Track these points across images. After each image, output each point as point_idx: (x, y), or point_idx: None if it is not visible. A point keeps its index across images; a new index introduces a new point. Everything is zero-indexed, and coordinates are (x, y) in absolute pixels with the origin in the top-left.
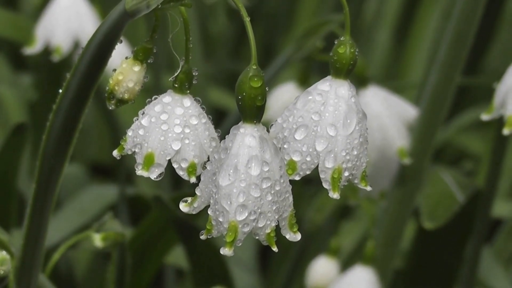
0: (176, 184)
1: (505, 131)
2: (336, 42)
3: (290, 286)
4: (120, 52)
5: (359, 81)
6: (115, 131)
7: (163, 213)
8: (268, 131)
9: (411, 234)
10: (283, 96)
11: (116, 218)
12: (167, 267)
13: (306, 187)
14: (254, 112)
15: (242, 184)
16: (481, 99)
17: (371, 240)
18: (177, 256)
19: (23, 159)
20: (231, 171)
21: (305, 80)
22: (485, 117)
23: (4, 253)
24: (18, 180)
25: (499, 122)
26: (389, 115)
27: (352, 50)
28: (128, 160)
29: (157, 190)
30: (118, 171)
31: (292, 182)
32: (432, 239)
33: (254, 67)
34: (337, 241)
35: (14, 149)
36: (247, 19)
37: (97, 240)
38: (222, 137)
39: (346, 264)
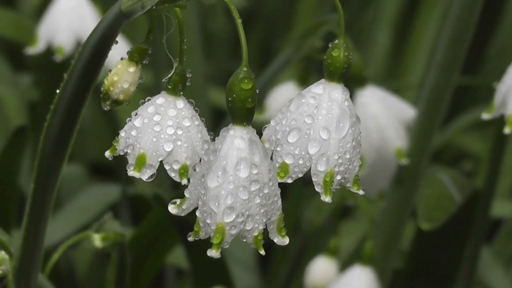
0: (176, 183)
1: (506, 130)
2: (330, 45)
3: (290, 286)
4: (121, 51)
5: (357, 81)
6: (115, 131)
7: (162, 212)
8: (262, 133)
9: (411, 235)
10: (283, 95)
11: (117, 218)
12: (167, 267)
13: (305, 187)
14: (244, 114)
15: (230, 186)
16: (481, 99)
17: (370, 240)
18: (177, 256)
19: (24, 159)
20: (220, 173)
21: (305, 80)
22: (485, 116)
23: (3, 253)
24: (19, 180)
25: (499, 122)
26: (387, 115)
27: (346, 54)
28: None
29: (157, 189)
30: (119, 170)
31: (291, 182)
32: (432, 240)
33: (245, 69)
34: (336, 241)
35: (15, 151)
36: (238, 21)
37: (97, 240)
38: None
39: (345, 264)
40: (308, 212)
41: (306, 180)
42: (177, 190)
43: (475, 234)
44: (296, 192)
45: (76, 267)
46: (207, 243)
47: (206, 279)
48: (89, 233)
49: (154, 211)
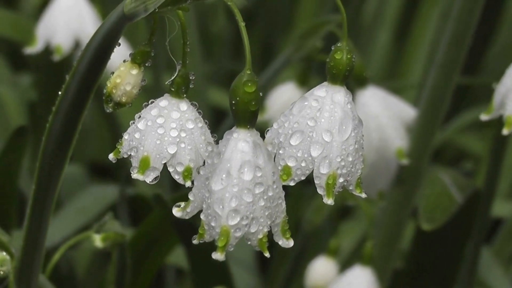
0: (176, 184)
1: (505, 131)
2: (333, 48)
3: (290, 286)
4: (121, 53)
5: (358, 82)
6: (115, 131)
7: (163, 212)
8: (264, 135)
9: (411, 235)
10: (283, 96)
11: (116, 218)
12: (167, 267)
13: (306, 188)
14: (247, 117)
15: (234, 189)
16: (481, 99)
17: (370, 240)
18: (177, 256)
19: (24, 160)
20: (224, 175)
21: (305, 80)
22: (484, 117)
23: (4, 253)
24: (19, 181)
25: (499, 122)
26: (387, 115)
27: (348, 57)
28: (128, 160)
29: (157, 190)
30: (118, 171)
31: None
32: (432, 240)
33: (248, 72)
34: (336, 241)
35: (15, 151)
36: (241, 24)
37: (97, 240)
38: (218, 142)
39: (345, 264)
40: (308, 212)
41: (306, 180)
42: (177, 191)
43: (475, 234)
44: (296, 192)
45: (76, 267)
46: (207, 244)
47: (206, 279)
48: (90, 233)
49: (154, 211)
